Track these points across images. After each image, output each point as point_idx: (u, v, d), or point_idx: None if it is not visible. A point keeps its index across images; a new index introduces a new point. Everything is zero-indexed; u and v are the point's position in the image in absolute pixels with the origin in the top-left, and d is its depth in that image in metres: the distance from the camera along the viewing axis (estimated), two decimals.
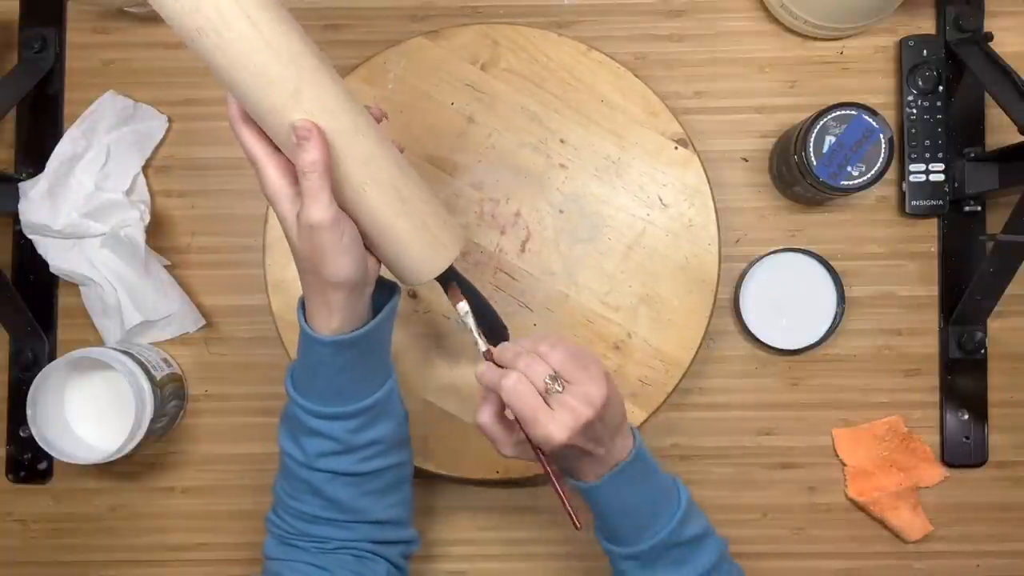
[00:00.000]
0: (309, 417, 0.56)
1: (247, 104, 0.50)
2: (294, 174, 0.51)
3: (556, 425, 0.50)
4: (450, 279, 0.59)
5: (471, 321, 0.58)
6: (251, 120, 0.51)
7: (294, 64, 0.48)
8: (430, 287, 0.71)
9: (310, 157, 0.48)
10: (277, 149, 0.52)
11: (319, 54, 0.50)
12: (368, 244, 0.55)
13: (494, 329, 0.64)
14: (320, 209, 0.49)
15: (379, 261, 0.57)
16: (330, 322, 0.54)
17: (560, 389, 0.51)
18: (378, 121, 0.55)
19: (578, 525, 0.53)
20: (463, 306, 0.58)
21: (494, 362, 0.54)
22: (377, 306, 0.58)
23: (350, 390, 0.56)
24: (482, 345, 0.57)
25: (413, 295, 0.76)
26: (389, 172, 0.53)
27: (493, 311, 0.65)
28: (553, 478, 0.54)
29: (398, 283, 0.61)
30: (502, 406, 0.53)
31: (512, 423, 0.54)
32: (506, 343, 0.55)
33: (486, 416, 0.54)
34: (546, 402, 0.51)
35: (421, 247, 0.56)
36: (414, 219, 0.55)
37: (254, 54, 0.47)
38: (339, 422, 0.56)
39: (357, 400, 0.56)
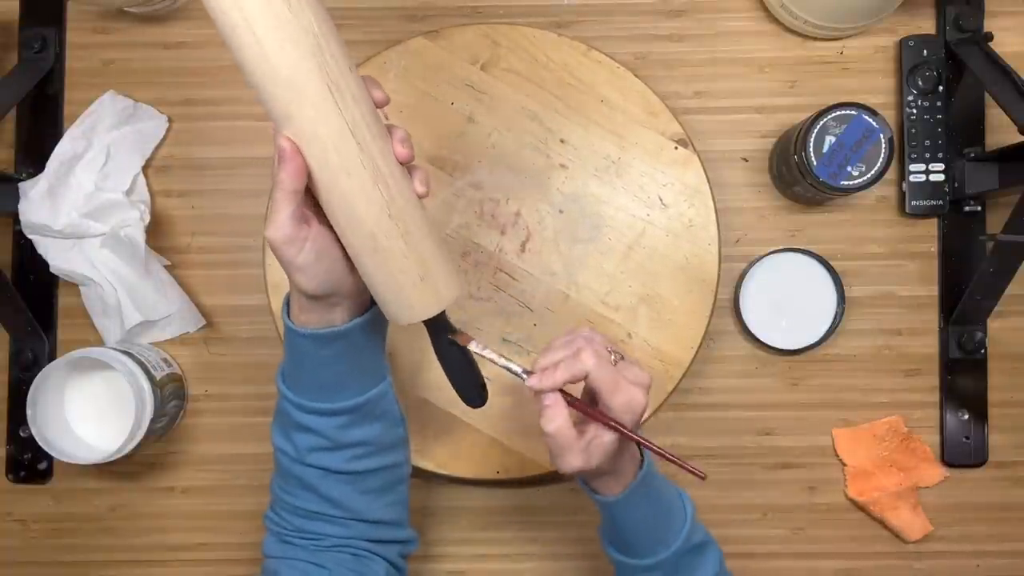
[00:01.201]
0: (296, 411, 0.57)
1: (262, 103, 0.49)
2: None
3: (636, 389, 0.52)
4: (435, 327, 0.56)
5: (490, 354, 0.55)
6: None
7: (289, 86, 0.46)
8: None
9: (279, 175, 0.48)
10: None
11: (336, 73, 0.47)
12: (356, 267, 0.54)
13: (473, 393, 0.61)
14: (273, 228, 0.49)
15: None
16: (300, 317, 0.55)
17: (621, 357, 0.54)
18: (403, 160, 0.51)
19: (703, 475, 0.53)
20: (475, 345, 0.56)
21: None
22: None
23: (336, 387, 0.56)
24: (517, 367, 0.54)
25: None
26: (373, 216, 0.50)
27: (478, 373, 0.60)
28: (647, 443, 0.53)
29: None
30: (566, 406, 0.53)
31: (581, 427, 0.54)
32: (547, 353, 0.54)
33: (560, 420, 0.52)
34: None
35: (397, 294, 0.53)
36: (391, 266, 0.51)
37: (260, 64, 0.46)
38: (325, 418, 0.56)
39: (344, 398, 0.56)
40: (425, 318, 0.54)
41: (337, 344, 0.55)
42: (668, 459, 0.53)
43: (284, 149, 0.48)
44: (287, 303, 0.57)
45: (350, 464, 0.58)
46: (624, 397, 0.52)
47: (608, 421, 0.53)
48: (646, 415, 0.74)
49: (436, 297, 0.54)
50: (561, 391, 0.53)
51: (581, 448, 0.53)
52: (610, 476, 0.56)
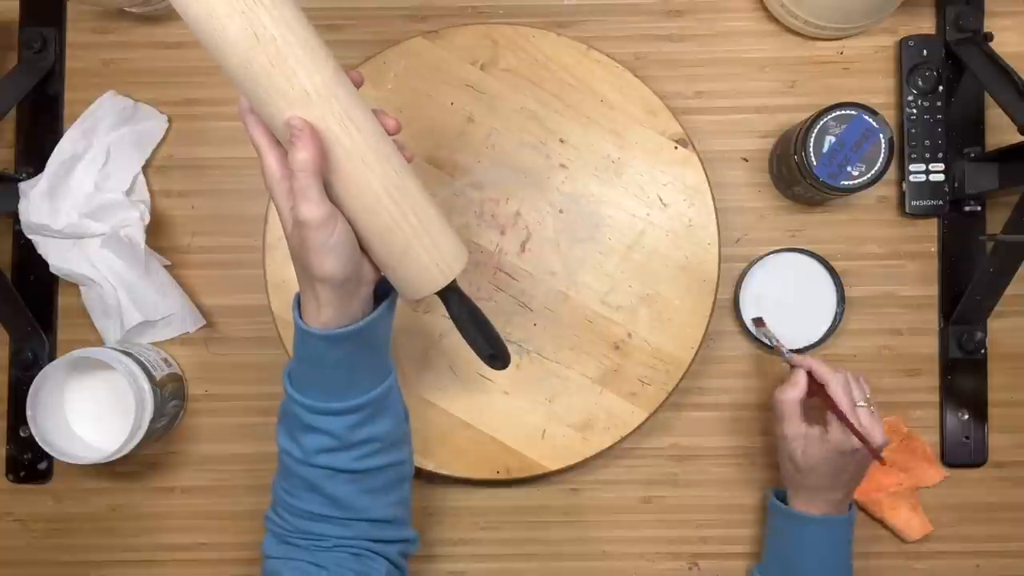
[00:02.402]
0: (305, 412, 0.56)
1: (251, 96, 0.50)
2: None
3: (875, 428, 0.66)
4: (451, 296, 0.58)
5: (772, 333, 0.75)
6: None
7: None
8: None
9: (300, 156, 0.48)
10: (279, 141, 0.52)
11: (320, 45, 0.50)
12: (364, 250, 0.55)
13: (495, 348, 0.62)
14: (309, 207, 0.49)
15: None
16: (319, 316, 0.54)
17: (872, 410, 0.67)
18: (357, 86, 0.53)
19: (883, 461, 0.66)
20: (765, 331, 0.76)
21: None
22: (379, 301, 0.58)
23: (346, 385, 0.56)
24: (786, 346, 0.73)
25: None
26: (384, 183, 0.52)
27: (494, 330, 0.62)
28: (849, 420, 0.66)
29: None
30: (803, 392, 0.69)
31: (807, 412, 0.69)
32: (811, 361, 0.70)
33: (794, 394, 0.69)
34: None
35: (414, 264, 0.54)
36: (408, 235, 0.53)
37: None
38: (335, 418, 0.56)
39: (354, 396, 0.56)
40: (444, 285, 0.56)
41: (349, 343, 0.55)
42: (865, 444, 0.65)
43: (300, 128, 0.48)
44: (297, 305, 0.56)
45: (357, 463, 0.58)
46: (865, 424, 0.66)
47: (836, 409, 0.66)
48: (647, 415, 0.75)
49: (450, 264, 0.56)
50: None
51: (803, 431, 0.68)
52: (817, 493, 0.69)
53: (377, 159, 0.51)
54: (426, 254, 0.54)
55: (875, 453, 0.65)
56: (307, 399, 0.56)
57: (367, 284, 0.56)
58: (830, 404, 0.66)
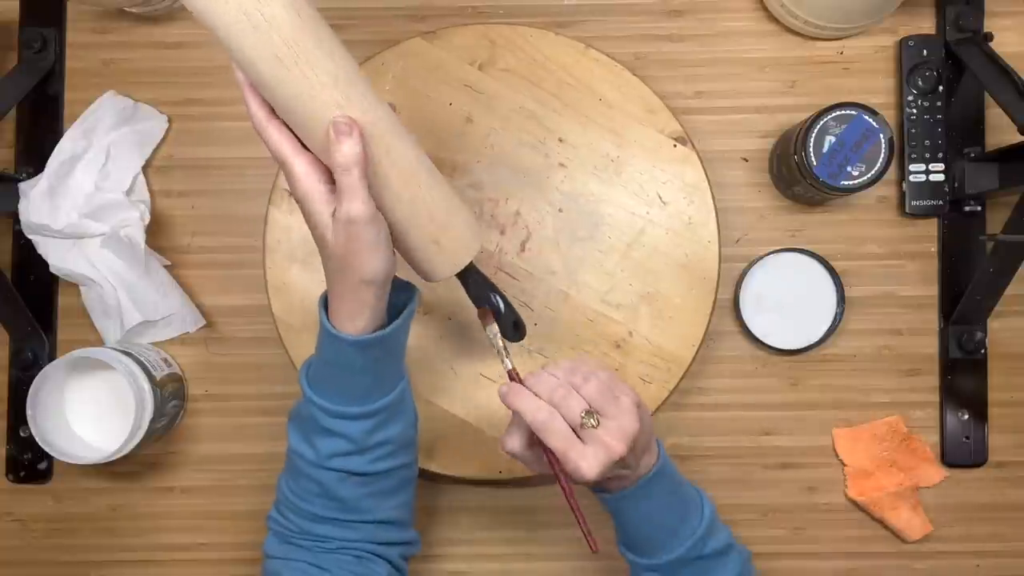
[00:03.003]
0: (325, 416, 0.56)
1: (276, 100, 0.49)
2: (324, 172, 0.52)
3: (587, 462, 0.52)
4: (469, 275, 0.60)
5: (499, 343, 0.58)
6: (277, 118, 0.51)
7: (334, 61, 0.50)
8: (430, 288, 0.71)
9: (350, 151, 0.48)
10: (304, 147, 0.52)
11: (341, 42, 0.52)
12: (394, 241, 0.55)
13: (517, 326, 0.65)
14: (360, 204, 0.49)
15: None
16: (356, 322, 0.54)
17: (595, 424, 0.52)
18: None
19: (594, 548, 0.54)
20: (492, 328, 0.59)
21: (520, 382, 0.55)
22: (392, 307, 0.58)
23: (368, 391, 0.56)
24: (508, 364, 0.57)
25: None
26: (413, 170, 0.53)
27: (513, 309, 0.64)
28: (573, 502, 0.54)
29: (413, 284, 0.61)
30: (530, 432, 0.54)
31: (539, 445, 0.55)
32: (539, 372, 0.55)
33: (516, 443, 0.55)
34: (578, 435, 0.52)
35: (445, 243, 0.56)
36: (438, 216, 0.55)
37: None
38: (355, 422, 0.56)
39: (374, 400, 0.56)
40: (473, 256, 0.58)
41: (378, 348, 0.55)
42: (575, 515, 0.54)
43: (347, 125, 0.48)
44: (325, 309, 0.56)
45: (370, 466, 0.58)
46: (571, 467, 0.52)
47: (554, 469, 0.54)
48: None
49: (477, 227, 0.59)
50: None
51: (543, 461, 0.55)
52: (618, 477, 0.56)
53: (406, 132, 0.53)
54: (462, 218, 0.57)
55: (567, 491, 0.54)
56: (328, 403, 0.56)
57: (389, 286, 0.56)
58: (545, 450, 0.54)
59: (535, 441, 0.55)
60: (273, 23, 0.47)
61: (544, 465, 0.56)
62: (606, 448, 0.52)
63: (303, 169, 0.51)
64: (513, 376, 0.56)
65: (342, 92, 0.49)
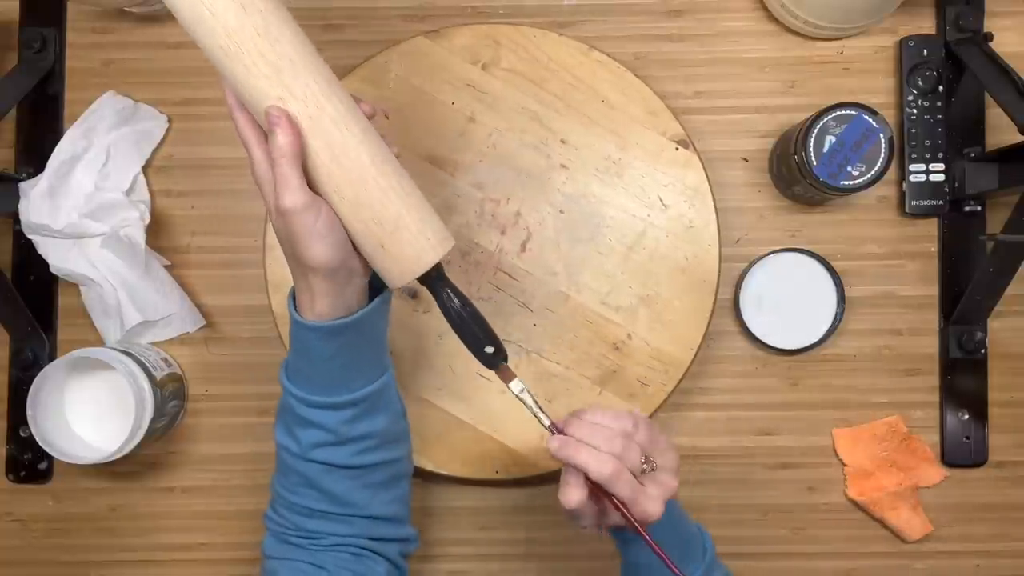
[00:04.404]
0: (301, 406, 0.57)
1: (235, 89, 0.51)
2: None
3: (654, 503, 0.52)
4: (436, 283, 0.56)
5: (528, 398, 0.56)
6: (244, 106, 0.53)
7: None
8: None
9: (278, 142, 0.49)
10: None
11: (300, 36, 0.51)
12: (352, 239, 0.54)
13: (493, 342, 0.58)
14: (290, 194, 0.50)
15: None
16: (313, 307, 0.54)
17: (653, 469, 0.54)
18: (368, 118, 0.54)
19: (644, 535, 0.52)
20: (516, 384, 0.56)
21: (558, 431, 0.54)
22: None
23: (342, 380, 0.56)
24: (545, 421, 0.55)
25: (413, 295, 0.76)
26: (360, 169, 0.52)
27: (486, 324, 0.58)
28: (651, 543, 0.52)
29: None
30: (586, 485, 0.53)
31: (598, 499, 0.54)
32: (579, 422, 0.53)
33: (578, 497, 0.53)
34: (637, 479, 0.53)
35: (391, 248, 0.53)
36: (386, 221, 0.53)
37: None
38: (331, 412, 0.56)
39: (350, 391, 0.56)
40: (436, 261, 0.55)
41: (344, 336, 0.55)
42: (660, 556, 0.52)
43: (277, 116, 0.49)
44: (292, 297, 0.57)
45: (354, 458, 0.58)
46: (639, 511, 0.52)
47: (625, 515, 0.52)
48: (647, 415, 0.74)
49: (445, 234, 0.55)
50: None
51: (596, 516, 0.55)
52: None
53: (363, 131, 0.52)
54: (416, 227, 0.53)
55: (645, 533, 0.52)
56: (302, 392, 0.56)
57: (359, 276, 0.56)
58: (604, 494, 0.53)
59: (592, 492, 0.54)
60: (217, 14, 0.49)
61: (595, 517, 0.55)
62: (666, 487, 0.53)
63: (258, 156, 0.52)
64: (555, 430, 0.54)
65: (283, 84, 0.50)
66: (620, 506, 0.52)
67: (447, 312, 0.57)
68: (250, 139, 0.53)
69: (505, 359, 0.58)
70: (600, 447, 0.52)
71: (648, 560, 0.55)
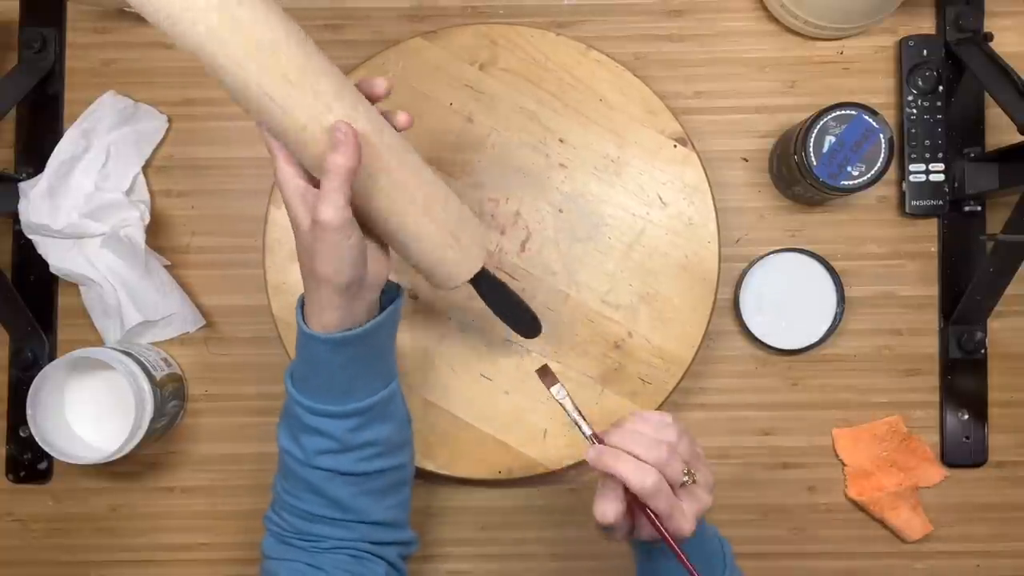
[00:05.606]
0: (307, 414, 0.56)
1: (263, 107, 0.51)
2: (302, 168, 0.53)
3: (688, 520, 0.50)
4: (482, 280, 0.62)
5: (569, 404, 0.54)
6: None
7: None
8: (429, 289, 0.71)
9: (340, 160, 0.49)
10: None
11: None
12: (400, 252, 0.58)
13: (529, 325, 0.68)
14: (332, 210, 0.49)
15: (390, 267, 0.58)
16: (322, 319, 0.54)
17: (694, 482, 0.51)
18: (405, 128, 0.56)
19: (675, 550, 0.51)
20: (558, 390, 0.55)
21: (598, 440, 0.52)
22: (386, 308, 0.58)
23: (347, 390, 0.56)
24: (587, 430, 0.53)
25: (414, 296, 0.76)
26: (417, 181, 0.56)
27: (527, 307, 0.67)
28: (688, 565, 0.51)
29: (401, 286, 0.61)
30: (623, 498, 0.51)
31: (631, 511, 0.52)
32: (620, 431, 0.51)
33: (615, 511, 0.50)
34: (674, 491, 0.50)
35: (453, 253, 0.58)
36: (442, 227, 0.57)
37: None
38: (335, 420, 0.56)
39: (356, 400, 0.56)
40: (485, 257, 0.61)
41: (352, 348, 0.55)
42: (689, 569, 0.51)
43: (344, 132, 0.49)
44: (301, 307, 0.57)
45: (358, 465, 0.58)
46: (674, 526, 0.50)
47: (661, 532, 0.51)
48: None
49: (484, 231, 0.62)
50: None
51: (628, 527, 0.53)
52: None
53: (410, 147, 0.56)
54: (473, 230, 0.60)
55: (672, 546, 0.51)
56: (308, 400, 0.56)
57: (371, 290, 0.56)
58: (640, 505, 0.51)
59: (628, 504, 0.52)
60: (288, 110, 0.50)
61: (626, 532, 0.53)
62: (701, 502, 0.51)
63: (284, 165, 0.53)
64: (595, 440, 0.52)
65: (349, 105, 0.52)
66: (655, 521, 0.50)
67: (491, 304, 0.64)
68: (273, 144, 0.53)
69: (538, 333, 0.66)
70: (641, 456, 0.49)
71: (669, 574, 0.54)
